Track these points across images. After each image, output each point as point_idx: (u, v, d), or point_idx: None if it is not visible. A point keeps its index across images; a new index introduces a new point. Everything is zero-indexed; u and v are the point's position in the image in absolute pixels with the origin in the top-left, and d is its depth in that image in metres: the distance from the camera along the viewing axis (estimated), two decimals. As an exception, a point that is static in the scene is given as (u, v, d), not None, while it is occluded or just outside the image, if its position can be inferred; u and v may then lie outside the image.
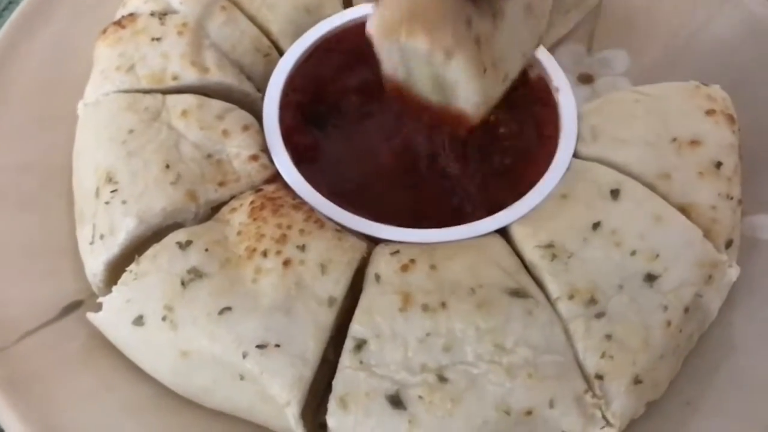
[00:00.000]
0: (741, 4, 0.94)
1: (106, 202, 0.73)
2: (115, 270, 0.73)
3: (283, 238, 0.70)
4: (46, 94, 0.89)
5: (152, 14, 0.84)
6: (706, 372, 0.73)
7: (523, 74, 0.84)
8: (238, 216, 0.73)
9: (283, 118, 0.81)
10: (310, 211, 0.73)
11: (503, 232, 0.74)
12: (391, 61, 0.70)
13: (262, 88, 0.83)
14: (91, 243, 0.74)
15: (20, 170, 0.84)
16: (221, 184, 0.75)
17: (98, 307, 0.72)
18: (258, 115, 0.81)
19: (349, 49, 0.87)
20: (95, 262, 0.74)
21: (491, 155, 0.82)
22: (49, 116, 0.87)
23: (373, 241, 0.74)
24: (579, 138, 0.78)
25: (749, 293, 0.77)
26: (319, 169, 0.80)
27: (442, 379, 0.65)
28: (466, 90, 0.68)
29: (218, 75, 0.81)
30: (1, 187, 0.82)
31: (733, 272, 0.73)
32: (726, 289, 0.73)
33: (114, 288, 0.71)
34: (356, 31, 0.88)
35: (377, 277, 0.69)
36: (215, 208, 0.76)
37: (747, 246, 0.79)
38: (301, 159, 0.79)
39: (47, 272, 0.78)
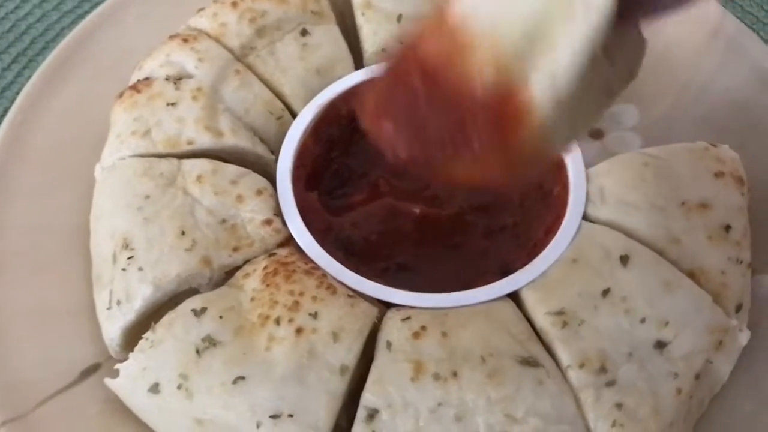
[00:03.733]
0: (746, 56, 0.94)
1: (123, 269, 0.75)
2: (132, 334, 0.74)
3: (295, 306, 0.71)
4: (65, 153, 0.90)
5: (167, 79, 0.85)
6: (717, 435, 0.74)
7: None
8: (251, 282, 0.74)
9: (296, 181, 0.82)
10: (323, 277, 0.74)
11: (514, 295, 0.75)
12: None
13: (275, 150, 0.85)
14: (108, 308, 0.75)
15: (38, 231, 0.85)
16: (235, 249, 0.76)
17: (115, 371, 0.73)
18: (272, 177, 0.82)
19: (361, 109, 0.89)
20: (112, 328, 0.75)
21: (502, 215, 0.83)
22: (66, 177, 0.88)
23: (385, 305, 0.75)
24: (588, 200, 0.79)
25: (762, 353, 0.77)
26: (333, 229, 0.82)
27: (453, 449, 0.65)
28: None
29: (232, 139, 0.82)
30: (18, 248, 0.83)
31: (744, 337, 0.73)
32: (737, 353, 0.73)
33: (131, 355, 0.72)
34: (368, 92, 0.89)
35: (389, 345, 0.70)
36: (229, 272, 0.77)
37: (759, 305, 0.79)
38: (314, 220, 0.81)
39: (65, 335, 0.79)
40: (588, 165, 0.82)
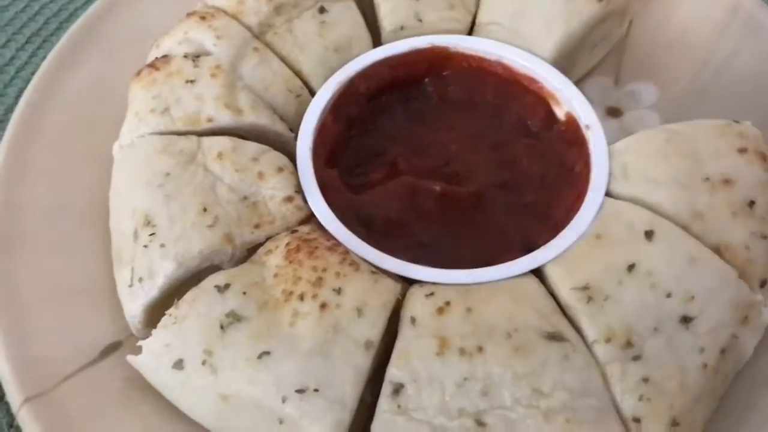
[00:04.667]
0: (765, 32, 0.94)
1: (145, 246, 0.74)
2: (154, 312, 0.74)
3: (319, 281, 0.71)
4: (82, 132, 0.90)
5: (186, 56, 0.85)
6: (741, 411, 0.73)
7: (552, 112, 0.86)
8: (274, 258, 0.74)
9: (316, 159, 0.82)
10: (345, 253, 0.74)
11: (537, 272, 0.75)
12: None
13: (294, 128, 0.85)
14: (130, 286, 0.75)
15: (57, 210, 0.85)
16: (257, 226, 0.76)
17: (137, 348, 0.72)
18: (292, 155, 0.82)
19: (380, 86, 0.89)
20: (134, 305, 0.75)
21: (524, 192, 0.82)
22: (84, 155, 0.89)
23: (408, 281, 0.75)
24: (611, 176, 0.79)
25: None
26: (353, 207, 0.81)
27: (480, 423, 0.65)
28: None
29: (252, 116, 0.82)
30: (37, 227, 0.83)
31: (768, 312, 0.73)
32: (762, 328, 0.73)
33: (154, 331, 0.72)
34: (387, 68, 0.89)
35: (413, 320, 0.70)
36: (251, 250, 0.76)
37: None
38: (335, 198, 0.80)
39: (86, 313, 0.79)
40: (607, 144, 0.82)
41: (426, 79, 0.90)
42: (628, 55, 0.98)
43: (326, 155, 0.84)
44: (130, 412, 0.74)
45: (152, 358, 0.71)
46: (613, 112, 0.95)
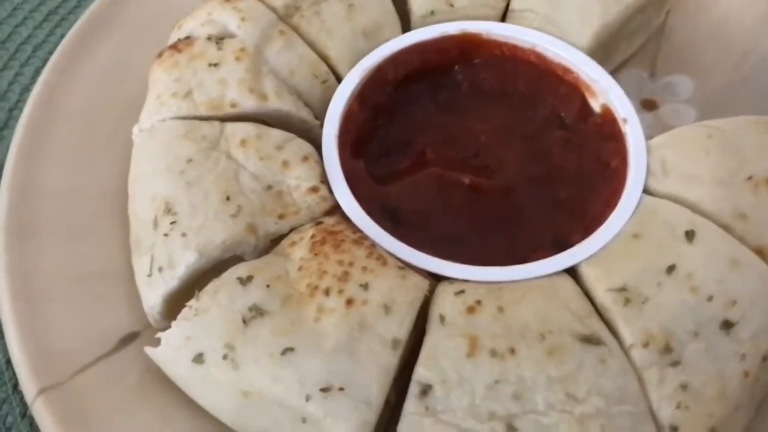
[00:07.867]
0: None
1: (165, 234, 0.72)
2: (173, 303, 0.72)
3: (345, 276, 0.68)
4: (100, 115, 0.88)
5: (209, 38, 0.82)
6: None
7: (587, 104, 0.83)
8: (298, 250, 0.71)
9: (341, 147, 0.79)
10: (372, 247, 0.71)
11: (571, 271, 0.72)
12: None
13: (319, 115, 0.82)
14: (149, 275, 0.73)
15: (73, 195, 0.82)
16: (281, 216, 0.74)
17: (154, 339, 0.70)
18: (316, 143, 0.80)
19: (409, 73, 0.86)
20: (153, 295, 0.72)
21: (557, 187, 0.80)
22: (103, 138, 0.86)
23: (435, 277, 0.73)
24: (649, 172, 0.76)
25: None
26: (379, 199, 0.79)
27: (512, 428, 0.62)
28: None
29: (276, 102, 0.79)
30: (54, 213, 0.81)
31: (812, 318, 0.70)
32: (804, 334, 0.70)
33: (173, 323, 0.69)
34: (416, 55, 0.86)
35: (442, 319, 0.67)
36: (274, 241, 0.74)
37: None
38: (360, 189, 0.78)
39: (102, 303, 0.76)
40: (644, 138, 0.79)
41: (456, 67, 0.87)
42: (664, 46, 0.95)
43: (351, 144, 0.81)
44: (148, 404, 0.71)
45: (171, 351, 0.69)
46: (648, 105, 0.92)
